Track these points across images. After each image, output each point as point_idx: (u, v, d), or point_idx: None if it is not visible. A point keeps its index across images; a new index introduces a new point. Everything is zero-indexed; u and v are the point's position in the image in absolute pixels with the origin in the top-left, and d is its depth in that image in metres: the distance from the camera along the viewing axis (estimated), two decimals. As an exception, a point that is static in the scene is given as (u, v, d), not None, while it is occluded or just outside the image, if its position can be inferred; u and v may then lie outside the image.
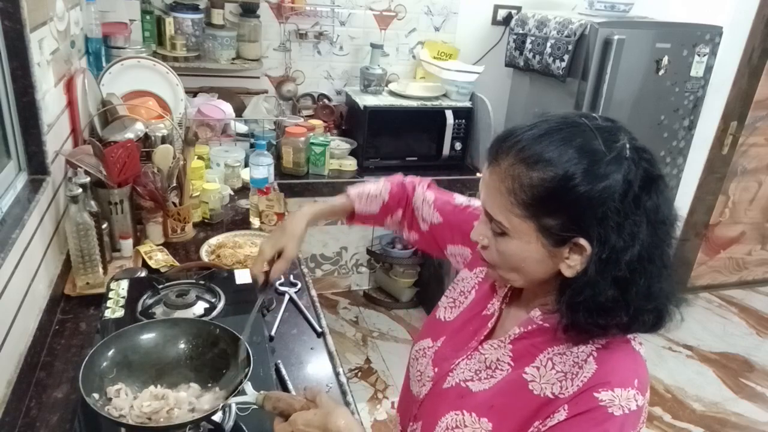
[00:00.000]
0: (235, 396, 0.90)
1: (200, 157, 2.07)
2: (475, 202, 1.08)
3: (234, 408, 1.03)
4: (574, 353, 0.76)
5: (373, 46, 2.67)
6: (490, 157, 0.77)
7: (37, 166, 1.39)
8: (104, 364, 0.96)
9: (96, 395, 0.90)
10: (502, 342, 0.85)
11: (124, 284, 1.33)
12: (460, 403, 0.83)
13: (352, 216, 1.15)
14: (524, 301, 0.88)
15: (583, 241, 0.71)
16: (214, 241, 1.70)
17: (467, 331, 0.91)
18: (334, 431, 0.77)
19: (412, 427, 0.95)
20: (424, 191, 1.13)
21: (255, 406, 0.89)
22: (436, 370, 0.91)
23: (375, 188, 1.14)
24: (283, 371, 1.21)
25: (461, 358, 0.89)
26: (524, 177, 0.72)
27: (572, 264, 0.74)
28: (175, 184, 1.68)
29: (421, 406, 0.93)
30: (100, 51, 2.08)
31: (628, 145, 0.72)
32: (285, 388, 1.17)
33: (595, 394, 0.71)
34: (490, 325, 0.89)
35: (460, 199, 1.11)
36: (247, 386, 0.90)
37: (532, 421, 0.76)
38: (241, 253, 1.62)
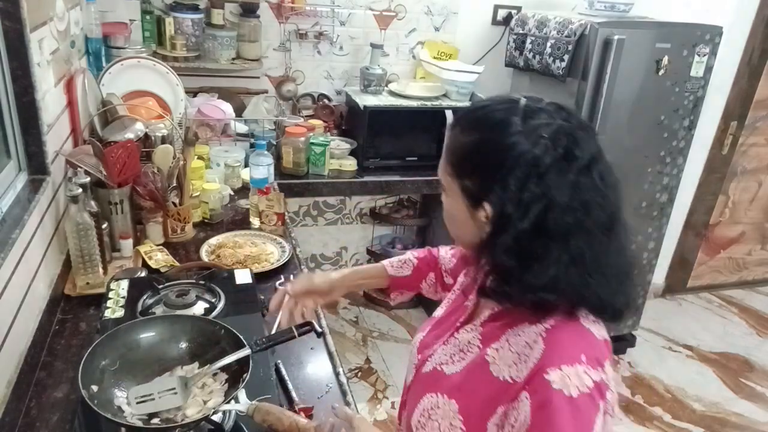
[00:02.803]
0: (227, 403, 0.90)
1: (200, 157, 2.07)
2: None
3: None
4: (526, 333, 0.78)
5: (373, 46, 2.67)
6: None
7: (37, 166, 1.39)
8: (105, 360, 0.96)
9: (95, 387, 0.90)
10: (474, 325, 0.88)
11: (124, 284, 1.33)
12: (436, 385, 0.87)
13: (388, 286, 1.21)
14: None
15: (486, 205, 0.77)
16: (214, 241, 1.70)
17: (450, 321, 0.95)
18: None
19: (403, 415, 0.99)
20: (447, 250, 1.21)
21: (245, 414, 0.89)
22: (419, 357, 0.95)
23: (402, 256, 1.23)
24: (283, 371, 1.21)
25: (439, 343, 0.92)
26: (455, 140, 0.82)
27: (487, 229, 0.78)
28: (175, 184, 1.68)
29: (408, 392, 0.97)
30: (100, 51, 2.08)
31: (551, 126, 0.76)
32: (285, 389, 1.17)
33: (545, 376, 0.72)
34: (468, 312, 0.92)
35: None
36: (241, 394, 0.90)
37: (494, 404, 0.77)
38: (241, 253, 1.62)
